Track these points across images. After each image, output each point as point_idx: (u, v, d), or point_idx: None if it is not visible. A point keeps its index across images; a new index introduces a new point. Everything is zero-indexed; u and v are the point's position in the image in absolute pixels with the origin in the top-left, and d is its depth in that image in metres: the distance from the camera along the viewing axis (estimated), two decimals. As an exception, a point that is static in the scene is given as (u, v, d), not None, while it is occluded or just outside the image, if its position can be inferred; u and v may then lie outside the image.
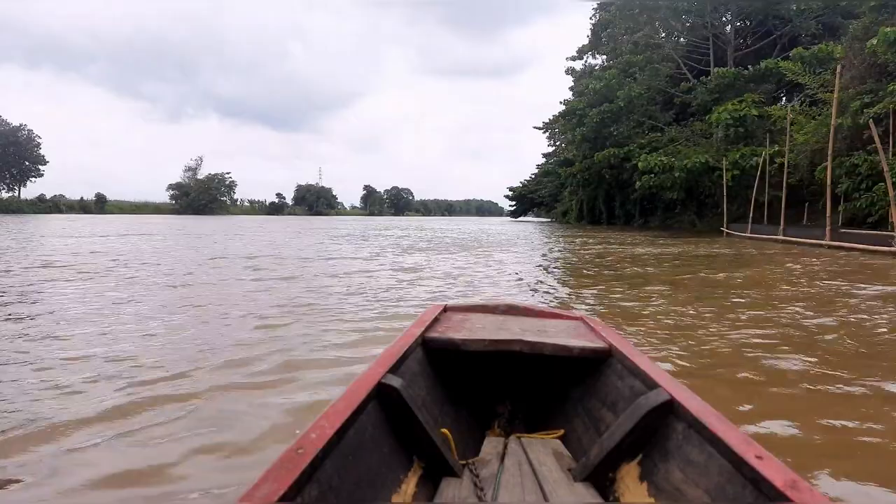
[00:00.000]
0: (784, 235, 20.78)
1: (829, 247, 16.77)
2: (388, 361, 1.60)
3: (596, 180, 48.30)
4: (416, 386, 1.74)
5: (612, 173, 39.21)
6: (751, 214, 25.37)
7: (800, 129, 24.90)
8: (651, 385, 1.54)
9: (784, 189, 22.50)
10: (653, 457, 1.40)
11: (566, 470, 1.59)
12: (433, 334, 2.03)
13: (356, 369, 3.19)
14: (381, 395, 1.45)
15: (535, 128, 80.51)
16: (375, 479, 1.28)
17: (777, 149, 26.88)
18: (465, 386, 2.10)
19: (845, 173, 20.54)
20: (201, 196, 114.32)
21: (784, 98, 34.41)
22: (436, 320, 2.28)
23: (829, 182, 18.23)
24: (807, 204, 25.01)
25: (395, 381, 1.47)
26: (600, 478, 1.49)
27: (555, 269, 10.85)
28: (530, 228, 40.78)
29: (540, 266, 11.53)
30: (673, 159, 30.84)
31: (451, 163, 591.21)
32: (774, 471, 0.99)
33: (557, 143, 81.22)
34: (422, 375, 1.86)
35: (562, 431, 1.92)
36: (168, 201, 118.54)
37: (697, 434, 1.26)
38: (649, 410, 1.42)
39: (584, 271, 10.31)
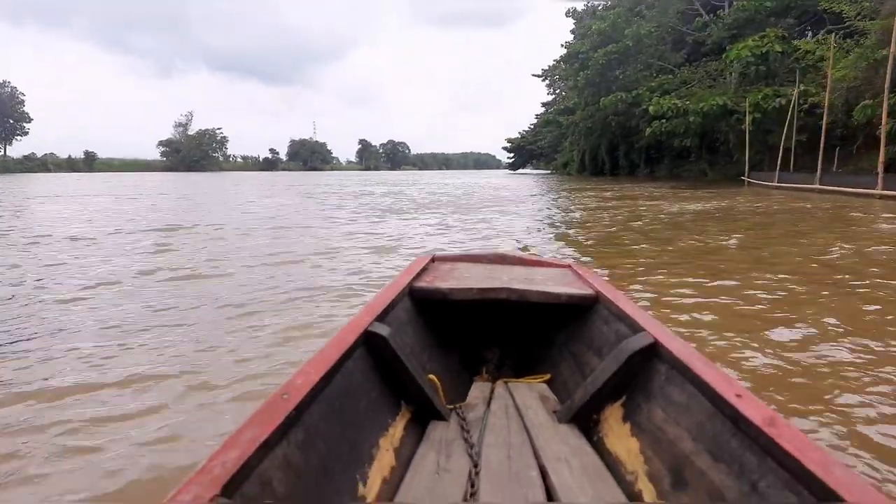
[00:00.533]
0: (821, 184, 18.24)
1: (883, 196, 14.28)
2: (375, 310, 1.56)
3: (600, 128, 45.34)
4: (404, 334, 1.72)
5: (618, 120, 36.20)
6: (779, 161, 22.63)
7: (834, 65, 22.05)
8: (636, 329, 1.53)
9: (823, 132, 19.82)
10: (636, 398, 1.40)
11: (551, 412, 1.60)
12: (421, 284, 1.99)
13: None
14: (369, 343, 1.44)
15: (533, 75, 77.14)
16: (363, 423, 1.28)
17: (803, 88, 24.08)
18: (454, 333, 2.09)
19: (889, 113, 17.88)
20: (192, 152, 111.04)
21: (799, 35, 31.09)
22: (424, 270, 2.24)
23: (885, 118, 15.56)
24: (837, 149, 22.39)
25: (383, 330, 1.46)
26: (584, 419, 1.50)
27: (590, 245, 7.85)
28: (532, 182, 38.08)
29: (567, 239, 8.63)
30: (687, 102, 27.86)
31: (448, 115, 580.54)
32: (753, 409, 0.99)
33: (557, 91, 78.07)
34: (409, 324, 1.83)
35: (548, 376, 1.92)
36: (159, 158, 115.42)
37: (680, 375, 1.27)
38: (633, 353, 1.42)
39: (630, 247, 7.23)
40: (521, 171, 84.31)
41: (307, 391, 1.05)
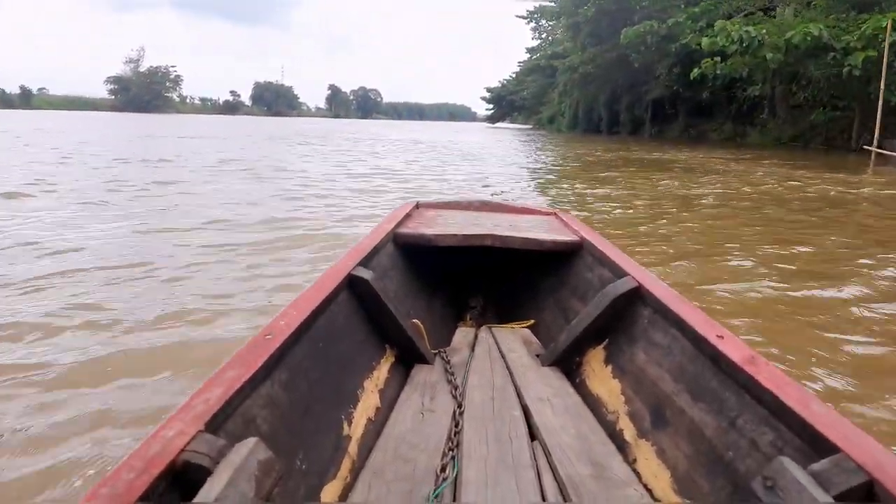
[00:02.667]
0: None
1: None
2: (359, 255, 1.51)
3: (603, 75, 35.63)
4: (388, 279, 1.65)
5: (643, 59, 26.32)
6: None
7: None
8: (620, 274, 1.49)
9: None
10: (619, 341, 1.38)
11: (535, 356, 1.59)
12: (404, 230, 1.92)
13: None
14: (352, 287, 1.39)
15: (517, 17, 66.91)
16: (347, 365, 1.25)
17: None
18: (438, 280, 2.03)
19: None
20: (143, 92, 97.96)
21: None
22: (407, 216, 2.14)
23: None
24: None
25: (366, 274, 1.41)
26: (567, 362, 1.48)
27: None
28: (521, 141, 28.47)
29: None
30: (763, 31, 18.17)
31: (424, 64, 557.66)
32: (733, 348, 0.98)
33: (544, 36, 68.12)
34: (393, 269, 1.77)
35: (532, 321, 1.88)
36: (107, 97, 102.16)
37: (662, 318, 1.25)
38: (617, 297, 1.39)
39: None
40: (500, 124, 74.00)
41: (290, 332, 1.01)
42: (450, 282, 2.07)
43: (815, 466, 0.71)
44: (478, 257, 1.99)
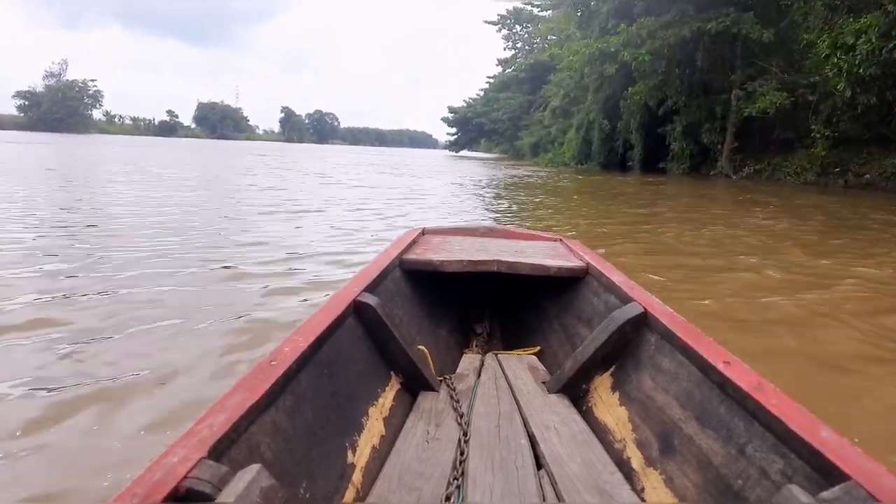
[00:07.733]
0: None
1: None
2: (365, 280, 1.39)
3: (666, 69, 17.80)
4: (394, 305, 1.53)
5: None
6: None
7: None
8: (626, 300, 1.38)
9: None
10: (625, 368, 1.29)
11: (541, 383, 1.46)
12: (411, 255, 1.78)
13: None
14: (358, 313, 1.29)
15: (486, 22, 49.04)
16: (352, 392, 1.15)
17: None
18: (444, 306, 1.89)
19: None
20: (55, 108, 75.85)
21: None
22: (414, 242, 2.00)
23: None
24: None
25: (371, 300, 1.31)
26: (574, 389, 1.37)
27: None
28: (536, 201, 9.70)
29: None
30: None
31: (384, 89, 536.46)
32: (741, 374, 0.91)
33: (519, 45, 50.36)
34: (399, 295, 1.63)
35: (538, 348, 1.75)
36: (15, 113, 79.58)
37: (669, 344, 1.16)
38: (623, 323, 1.29)
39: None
40: (464, 152, 55.40)
41: (295, 358, 0.93)
42: (456, 308, 1.95)
43: (826, 494, 0.65)
44: (484, 283, 1.92)
